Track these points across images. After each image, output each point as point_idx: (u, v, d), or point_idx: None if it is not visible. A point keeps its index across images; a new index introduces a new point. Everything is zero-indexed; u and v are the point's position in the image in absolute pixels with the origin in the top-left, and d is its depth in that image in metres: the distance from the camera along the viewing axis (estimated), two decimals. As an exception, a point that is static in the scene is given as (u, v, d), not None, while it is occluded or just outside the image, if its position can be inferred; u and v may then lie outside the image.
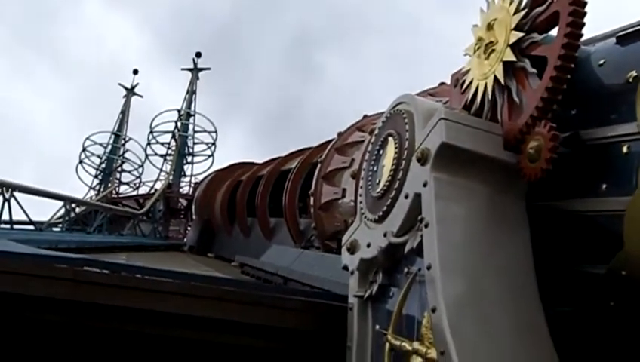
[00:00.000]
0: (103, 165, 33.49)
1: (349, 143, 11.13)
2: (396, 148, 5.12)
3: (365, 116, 11.66)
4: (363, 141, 10.15)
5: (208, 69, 34.28)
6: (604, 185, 4.21)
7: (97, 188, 32.38)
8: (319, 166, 11.42)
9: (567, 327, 4.40)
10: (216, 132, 32.20)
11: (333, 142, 11.66)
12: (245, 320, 5.52)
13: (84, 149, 33.58)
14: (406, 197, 4.83)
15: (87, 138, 33.89)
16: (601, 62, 4.59)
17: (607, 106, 4.41)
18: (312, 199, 11.35)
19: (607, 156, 4.24)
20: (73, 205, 24.37)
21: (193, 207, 26.97)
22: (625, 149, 4.08)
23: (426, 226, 4.44)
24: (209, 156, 32.17)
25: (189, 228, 28.32)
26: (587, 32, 4.52)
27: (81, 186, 32.07)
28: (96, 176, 33.25)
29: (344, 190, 10.29)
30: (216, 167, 27.35)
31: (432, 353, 4.22)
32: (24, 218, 19.54)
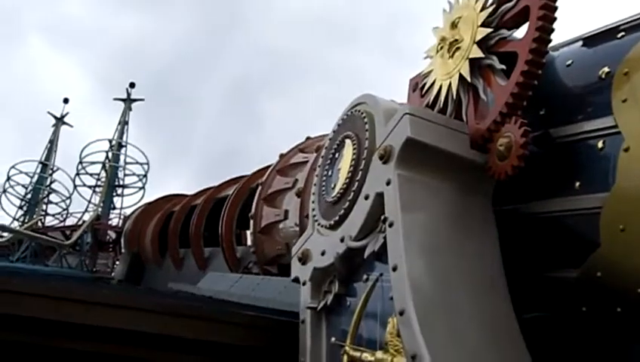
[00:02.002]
0: (29, 195, 32.58)
1: (291, 164, 10.83)
2: (354, 149, 4.87)
3: (308, 138, 11.41)
4: (306, 162, 9.87)
5: (142, 99, 33.71)
6: (577, 183, 4.03)
7: (22, 219, 31.45)
8: (260, 188, 11.07)
9: (539, 332, 4.17)
10: (148, 164, 31.55)
11: (274, 164, 11.35)
12: (192, 336, 5.16)
13: (8, 178, 32.54)
14: (366, 198, 4.57)
15: (13, 167, 32.84)
16: (569, 62, 4.49)
17: (578, 103, 4.27)
18: (251, 222, 10.98)
19: (581, 153, 4.08)
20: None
21: (122, 239, 26.23)
22: (600, 144, 3.91)
23: (390, 226, 4.18)
24: (140, 188, 31.46)
25: (117, 262, 27.55)
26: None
27: (3, 217, 31.02)
28: (20, 207, 32.25)
29: (286, 211, 9.97)
30: (148, 200, 26.64)
31: (399, 360, 3.94)
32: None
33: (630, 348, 4.03)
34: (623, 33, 4.22)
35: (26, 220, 31.07)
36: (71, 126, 35.39)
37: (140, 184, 31.63)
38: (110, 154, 31.09)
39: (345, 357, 4.53)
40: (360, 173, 4.72)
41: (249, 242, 13.78)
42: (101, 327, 4.92)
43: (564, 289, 4.14)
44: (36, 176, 33.12)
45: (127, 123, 32.23)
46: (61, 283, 5.41)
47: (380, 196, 4.41)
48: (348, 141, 5.03)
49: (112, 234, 28.46)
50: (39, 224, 30.95)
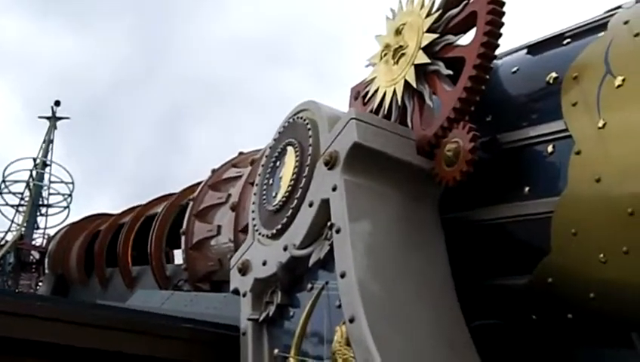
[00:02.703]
0: (-52, 214, 31.63)
1: (224, 179, 10.62)
2: (297, 156, 4.76)
3: (241, 153, 11.21)
4: (240, 177, 9.70)
5: (67, 118, 32.84)
6: (526, 188, 4.00)
7: (-59, 238, 30.47)
8: (191, 204, 10.83)
9: (489, 340, 4.10)
10: (73, 183, 30.74)
11: (206, 179, 11.13)
12: (130, 351, 4.94)
13: None
14: (310, 205, 4.46)
15: None
16: (514, 69, 4.50)
17: (525, 109, 4.28)
18: (182, 238, 10.74)
19: (530, 158, 4.06)
20: None
21: (46, 260, 25.57)
22: (550, 148, 3.90)
23: (337, 232, 4.08)
24: (65, 208, 30.69)
25: (40, 283, 26.84)
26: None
27: None
28: (-61, 226, 31.30)
29: (219, 227, 9.77)
30: (73, 219, 26.01)
31: (347, 370, 3.82)
32: None
33: (580, 354, 4.00)
34: (568, 40, 4.25)
35: (-54, 240, 30.12)
36: (-9, 143, 34.68)
37: (64, 203, 30.83)
38: (34, 173, 30.38)
39: (289, 369, 4.40)
40: (303, 180, 4.61)
41: (178, 261, 13.54)
42: (32, 341, 4.67)
43: (513, 296, 4.10)
44: (-44, 195, 32.24)
45: (52, 141, 31.46)
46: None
47: (325, 202, 4.31)
48: (290, 148, 4.92)
49: (36, 255, 27.68)
50: (-42, 244, 30.04)
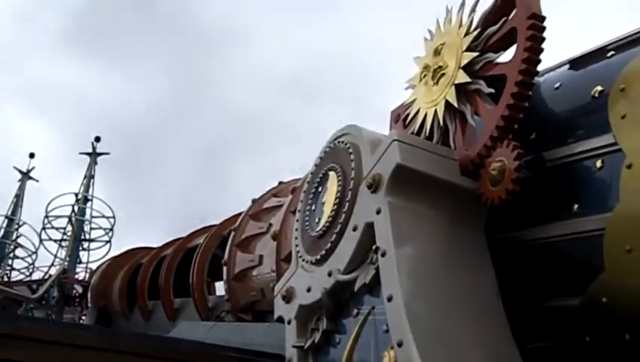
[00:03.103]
0: (-6, 250, 31.99)
1: (264, 209, 10.61)
2: (339, 180, 4.71)
3: (281, 182, 11.24)
4: (280, 206, 9.67)
5: (107, 153, 33.36)
6: (575, 206, 3.88)
7: (-14, 274, 30.78)
8: (232, 234, 10.82)
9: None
10: (114, 217, 31.12)
11: (246, 209, 11.13)
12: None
13: (-27, 233, 31.97)
14: (354, 229, 4.41)
15: (-23, 221, 32.33)
16: (557, 85, 4.42)
17: (570, 124, 4.18)
18: (224, 269, 10.72)
19: (577, 174, 3.95)
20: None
21: (89, 293, 25.74)
22: (599, 163, 3.78)
23: (383, 255, 4.01)
24: (107, 242, 30.97)
25: (84, 316, 26.99)
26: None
27: (-31, 271, 30.26)
28: (-15, 262, 31.66)
29: (261, 257, 9.74)
30: (114, 253, 26.18)
31: (396, 395, 3.73)
32: None
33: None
34: (612, 52, 4.17)
35: (-7, 275, 30.43)
36: (37, 180, 35.01)
37: (106, 238, 31.16)
38: (76, 208, 30.68)
39: (336, 396, 4.33)
40: (346, 204, 4.56)
41: (219, 292, 13.50)
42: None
43: (565, 318, 3.97)
44: (2, 231, 32.60)
45: (92, 177, 31.86)
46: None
47: (369, 226, 4.25)
48: (332, 173, 4.88)
49: (79, 288, 27.91)
50: (5, 278, 30.32)
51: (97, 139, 33.02)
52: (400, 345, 3.65)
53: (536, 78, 4.37)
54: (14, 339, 4.65)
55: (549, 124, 4.31)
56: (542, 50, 4.17)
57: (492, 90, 4.35)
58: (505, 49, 4.46)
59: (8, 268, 31.88)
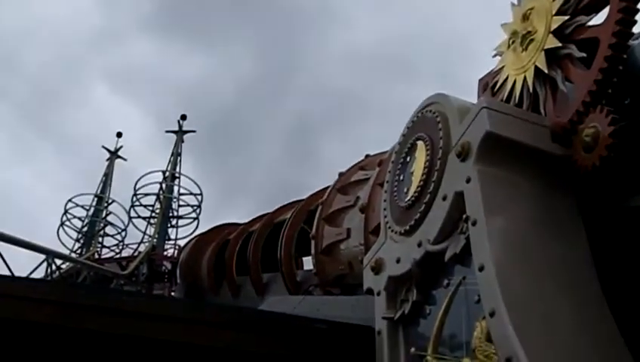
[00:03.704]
0: (85, 228, 32.86)
1: (352, 182, 10.56)
2: (428, 150, 4.67)
3: (367, 155, 11.17)
4: (368, 179, 9.62)
5: (193, 131, 33.91)
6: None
7: (79, 251, 31.64)
8: (320, 208, 10.84)
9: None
10: (201, 194, 31.64)
11: (333, 183, 11.13)
12: (267, 351, 4.98)
13: (65, 212, 32.87)
14: (444, 198, 4.36)
15: (70, 200, 33.18)
16: None
17: (668, 88, 4.01)
18: (312, 243, 10.76)
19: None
20: (57, 262, 23.76)
21: (178, 270, 26.17)
22: None
23: (474, 224, 3.96)
24: (194, 219, 31.52)
25: (173, 292, 27.52)
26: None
27: (61, 249, 31.04)
28: (77, 240, 32.52)
29: (349, 230, 9.73)
30: (202, 230, 26.58)
31: (489, 366, 3.68)
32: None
33: None
34: None
35: (83, 252, 31.28)
36: (125, 159, 35.85)
37: (194, 214, 31.74)
38: (164, 186, 31.25)
39: (427, 367, 4.30)
40: (435, 173, 4.52)
41: (307, 267, 13.55)
42: (166, 341, 4.76)
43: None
44: (92, 209, 33.49)
45: (179, 154, 32.45)
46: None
47: (459, 195, 4.20)
48: (420, 143, 4.84)
49: (168, 265, 28.44)
50: (96, 256, 31.13)
51: (183, 117, 33.59)
52: (492, 314, 3.59)
53: (630, 41, 4.24)
54: (111, 312, 4.76)
55: (645, 88, 4.15)
56: (637, 11, 4.02)
57: (584, 55, 4.22)
58: (597, 11, 4.31)
59: (99, 245, 32.74)
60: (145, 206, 31.88)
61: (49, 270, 23.96)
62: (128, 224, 32.56)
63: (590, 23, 4.35)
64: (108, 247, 32.94)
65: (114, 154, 35.30)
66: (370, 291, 5.13)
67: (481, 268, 3.79)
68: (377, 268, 5.03)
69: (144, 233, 31.44)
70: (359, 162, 11.25)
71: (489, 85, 5.15)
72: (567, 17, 4.39)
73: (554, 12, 4.47)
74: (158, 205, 31.25)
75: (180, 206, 31.74)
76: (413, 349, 4.53)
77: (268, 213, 17.13)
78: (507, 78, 4.82)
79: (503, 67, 4.94)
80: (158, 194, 31.39)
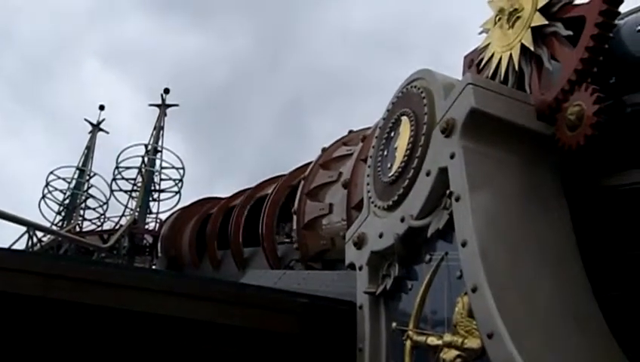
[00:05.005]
0: (67, 201, 32.70)
1: (334, 158, 10.54)
2: (412, 125, 4.67)
3: (351, 131, 11.13)
4: (351, 154, 9.62)
5: (176, 105, 33.66)
6: (658, 151, 3.78)
7: (60, 224, 31.49)
8: (302, 183, 10.82)
9: (620, 313, 3.90)
10: (183, 168, 31.50)
11: (316, 158, 11.10)
12: (244, 325, 4.97)
13: (47, 184, 32.66)
14: (427, 174, 4.36)
15: (51, 173, 32.95)
16: (639, 28, 4.21)
17: (654, 67, 4.02)
18: (294, 218, 10.75)
19: (659, 118, 3.83)
20: (38, 235, 23.67)
21: (159, 243, 26.18)
22: None
23: (457, 200, 3.97)
24: (176, 193, 31.39)
25: (154, 266, 27.49)
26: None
27: (42, 221, 30.79)
28: (59, 213, 32.35)
29: (331, 205, 9.73)
30: (184, 204, 26.52)
31: (470, 342, 3.70)
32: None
33: None
34: (697, -6, 3.99)
35: (64, 225, 31.13)
36: (107, 132, 35.63)
37: (175, 188, 31.61)
38: (146, 159, 31.10)
39: (408, 343, 4.31)
40: (419, 149, 4.51)
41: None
42: (146, 314, 4.75)
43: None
44: (74, 182, 33.31)
45: (162, 128, 32.25)
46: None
47: (443, 171, 4.20)
48: (404, 118, 4.83)
49: (149, 239, 28.38)
50: (77, 228, 30.99)
51: (166, 90, 33.30)
52: (474, 290, 3.61)
53: (616, 20, 4.23)
54: (92, 283, 4.73)
55: (631, 67, 4.15)
56: (623, -10, 4.03)
57: (570, 33, 4.22)
58: (582, -9, 4.31)
59: (80, 218, 32.59)
60: (127, 179, 31.70)
61: (30, 242, 23.82)
62: (110, 197, 32.37)
63: (577, 2, 4.35)
64: (89, 220, 32.77)
65: (96, 127, 35.08)
66: (352, 266, 5.14)
67: (463, 244, 3.80)
68: (360, 243, 5.04)
69: (126, 206, 31.30)
70: (342, 138, 11.22)
71: (474, 62, 5.14)
72: None
73: (541, -10, 4.46)
74: (140, 178, 31.10)
75: (161, 179, 31.60)
76: (394, 324, 4.55)
77: (250, 188, 17.10)
78: (493, 55, 4.81)
79: (488, 44, 4.93)
80: (140, 168, 31.23)
